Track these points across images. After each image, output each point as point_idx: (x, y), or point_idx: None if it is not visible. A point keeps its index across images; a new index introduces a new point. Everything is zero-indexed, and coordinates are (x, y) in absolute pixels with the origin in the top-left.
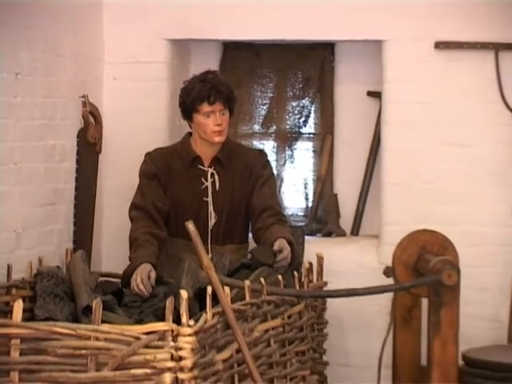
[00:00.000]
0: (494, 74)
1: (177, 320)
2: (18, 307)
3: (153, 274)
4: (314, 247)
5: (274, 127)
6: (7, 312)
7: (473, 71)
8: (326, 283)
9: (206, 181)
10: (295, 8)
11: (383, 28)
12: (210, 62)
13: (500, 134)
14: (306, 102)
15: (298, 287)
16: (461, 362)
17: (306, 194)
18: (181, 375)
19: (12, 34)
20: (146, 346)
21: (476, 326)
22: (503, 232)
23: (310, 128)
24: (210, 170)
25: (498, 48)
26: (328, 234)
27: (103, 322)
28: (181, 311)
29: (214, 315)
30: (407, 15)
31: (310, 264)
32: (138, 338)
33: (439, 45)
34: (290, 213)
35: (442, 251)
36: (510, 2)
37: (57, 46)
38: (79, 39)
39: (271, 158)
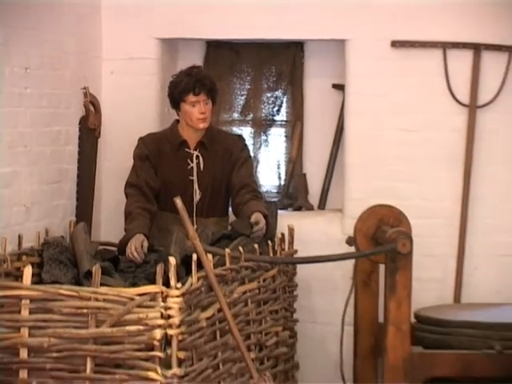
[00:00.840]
0: (442, 69)
1: (166, 283)
2: (28, 272)
3: (145, 243)
4: (285, 220)
5: (251, 115)
6: (18, 276)
7: (424, 67)
8: (296, 251)
9: (192, 162)
10: (270, 11)
11: (346, 29)
12: (195, 59)
13: (447, 121)
14: (278, 93)
15: (271, 255)
16: (413, 320)
17: (279, 174)
18: (169, 331)
19: (22, 34)
20: (139, 306)
21: (426, 288)
22: (449, 207)
23: (282, 116)
24: (195, 153)
25: (445, 46)
26: (298, 209)
27: (102, 284)
28: (169, 275)
29: (198, 279)
30: (367, 17)
31: (282, 234)
32: (132, 299)
33: (395, 44)
34: (264, 190)
35: (397, 223)
36: (456, 5)
37: (61, 44)
38: (81, 38)
39: (248, 142)
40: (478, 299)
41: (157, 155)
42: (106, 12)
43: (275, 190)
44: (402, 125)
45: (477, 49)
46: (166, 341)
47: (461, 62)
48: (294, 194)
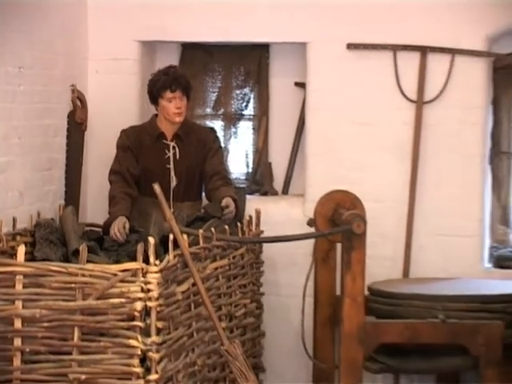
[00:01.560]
0: (392, 69)
1: (146, 260)
2: (21, 250)
3: (127, 225)
4: (253, 204)
5: (222, 110)
6: (13, 254)
7: (376, 67)
8: (262, 231)
9: (169, 152)
10: (239, 16)
11: (307, 33)
12: (172, 59)
13: (397, 115)
14: (246, 90)
15: (240, 235)
16: (366, 292)
17: (247, 163)
18: (149, 303)
19: (16, 37)
20: (122, 281)
21: (378, 264)
22: (398, 192)
23: (249, 111)
24: (172, 144)
25: (395, 48)
26: (264, 194)
27: (88, 262)
28: (149, 254)
29: (174, 257)
30: (326, 23)
31: (250, 217)
32: (115, 275)
33: (350, 46)
34: (234, 177)
35: (352, 207)
36: (405, 12)
37: (51, 46)
38: (69, 41)
39: (220, 134)
40: (424, 274)
41: (137, 146)
42: (92, 17)
43: (244, 177)
44: (357, 119)
45: (423, 51)
46: (146, 312)
47: (409, 63)
48: (260, 181)
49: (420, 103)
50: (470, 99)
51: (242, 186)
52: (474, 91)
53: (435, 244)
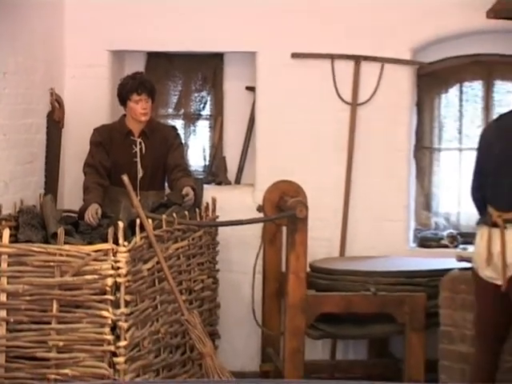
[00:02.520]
0: (330, 75)
1: (116, 242)
2: (6, 233)
3: (99, 211)
4: (209, 192)
5: (182, 110)
6: None
7: (316, 73)
8: (217, 216)
9: (136, 147)
10: (196, 29)
11: (256, 43)
12: (138, 66)
13: (335, 115)
14: (204, 93)
15: (198, 219)
16: (308, 269)
17: (204, 156)
18: (118, 279)
19: (1, 45)
20: (95, 260)
21: (318, 245)
22: (336, 182)
23: (206, 111)
24: (139, 140)
25: (333, 57)
26: (219, 183)
27: (65, 243)
28: (118, 236)
29: (141, 239)
30: (272, 34)
31: (207, 204)
32: (89, 254)
33: (294, 55)
34: (193, 169)
35: (295, 194)
36: (342, 26)
37: (33, 53)
38: (48, 49)
39: (180, 131)
40: (358, 253)
41: (108, 142)
42: (69, 28)
43: (201, 169)
44: (300, 118)
45: (357, 59)
46: (116, 287)
47: (345, 70)
48: (216, 172)
49: (354, 105)
50: (397, 102)
51: (200, 176)
52: (401, 95)
53: (367, 227)
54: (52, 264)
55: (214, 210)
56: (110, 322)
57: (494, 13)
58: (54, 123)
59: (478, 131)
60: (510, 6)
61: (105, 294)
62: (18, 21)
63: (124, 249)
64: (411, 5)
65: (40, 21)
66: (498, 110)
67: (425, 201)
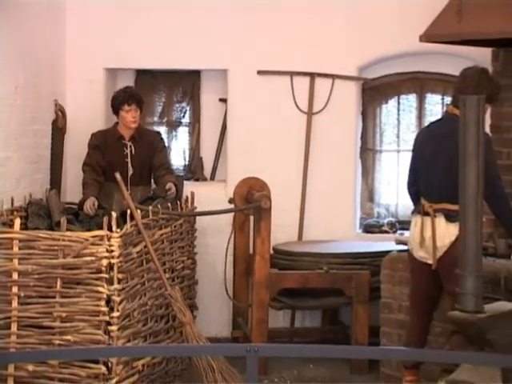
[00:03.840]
0: (290, 88)
1: (110, 229)
2: (17, 222)
3: (96, 203)
4: (188, 187)
5: (166, 119)
6: (11, 225)
7: (278, 87)
8: (195, 207)
9: (127, 149)
10: (177, 50)
11: (227, 62)
12: (129, 81)
13: (294, 123)
14: (184, 104)
15: (179, 210)
16: (271, 251)
17: (184, 157)
18: (112, 260)
19: (12, 64)
20: (92, 244)
21: (280, 231)
22: (295, 179)
23: (186, 119)
24: (129, 143)
25: (292, 74)
26: (197, 180)
27: (67, 230)
28: (112, 224)
29: (131, 226)
30: (241, 55)
31: (187, 197)
32: (87, 239)
33: (259, 72)
34: (175, 168)
35: (261, 189)
36: (298, 46)
37: (39, 70)
38: (53, 66)
39: (164, 136)
40: (313, 238)
41: (103, 145)
42: (70, 50)
43: (182, 168)
44: (264, 125)
45: (312, 76)
46: (110, 267)
47: (302, 84)
48: (194, 170)
49: (310, 114)
50: (345, 111)
51: (180, 174)
52: (349, 105)
53: (321, 216)
54: (56, 248)
55: (192, 202)
56: (105, 296)
57: (425, 37)
58: (58, 129)
59: (413, 136)
60: (439, 32)
61: (100, 272)
62: (26, 43)
63: (117, 235)
64: (358, 30)
65: (45, 43)
66: (429, 118)
67: (368, 194)
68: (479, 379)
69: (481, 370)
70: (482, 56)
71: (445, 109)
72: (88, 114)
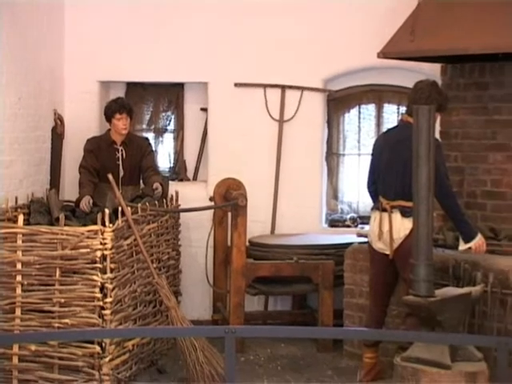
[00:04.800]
0: (263, 99)
1: (103, 224)
2: (21, 218)
3: (91, 201)
4: (173, 187)
5: (153, 126)
6: (15, 221)
7: (253, 98)
8: (179, 205)
9: (118, 153)
10: (163, 65)
11: (207, 75)
12: (120, 92)
13: (267, 130)
14: (169, 113)
15: (165, 207)
16: (247, 244)
17: (170, 160)
18: (105, 252)
19: (16, 77)
20: (87, 237)
21: (255, 225)
22: (268, 179)
23: (171, 126)
24: (120, 148)
25: (265, 86)
26: (180, 180)
27: (65, 225)
28: (105, 220)
29: (122, 221)
30: (220, 69)
31: (172, 195)
32: (83, 233)
33: (236, 84)
34: (161, 169)
35: (238, 188)
36: (270, 61)
37: (40, 83)
38: (52, 80)
39: (152, 141)
40: (284, 232)
41: (97, 149)
42: (68, 65)
43: (167, 169)
44: (241, 131)
45: (283, 88)
46: (103, 258)
47: (274, 95)
48: (178, 172)
49: (281, 122)
50: (312, 119)
51: (166, 175)
52: (315, 114)
53: (291, 212)
54: (55, 241)
55: (176, 200)
56: (99, 284)
57: (383, 54)
58: (57, 135)
59: (372, 141)
60: (394, 49)
61: (95, 263)
62: (29, 59)
63: (109, 229)
64: (324, 47)
65: (45, 59)
66: (386, 125)
67: (333, 192)
68: (430, 355)
69: (432, 348)
70: (433, 70)
71: (400, 117)
72: (84, 122)
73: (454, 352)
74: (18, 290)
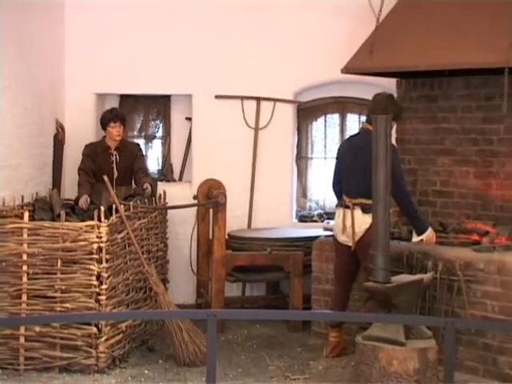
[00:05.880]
0: (241, 109)
1: (99, 220)
2: (26, 214)
3: (88, 200)
4: (161, 187)
5: (144, 133)
6: (21, 217)
7: (232, 108)
8: (167, 203)
9: (113, 157)
10: (152, 79)
11: (191, 88)
12: (114, 104)
13: (244, 137)
14: (158, 121)
15: (154, 204)
16: (227, 237)
17: (158, 163)
18: (101, 244)
19: (21, 90)
20: (85, 232)
21: (234, 220)
22: (244, 179)
23: (159, 134)
24: (114, 153)
25: (242, 98)
26: (168, 181)
27: (66, 221)
28: (101, 216)
29: (116, 217)
30: (202, 82)
31: (160, 194)
32: (81, 228)
33: (217, 96)
34: (151, 171)
35: (218, 188)
36: (247, 75)
37: (44, 95)
38: (54, 92)
39: (142, 147)
40: (259, 226)
41: (94, 154)
42: (68, 79)
43: (156, 171)
44: (221, 138)
45: (258, 99)
46: (99, 249)
47: (250, 106)
48: (166, 173)
49: (257, 129)
50: (284, 127)
51: (155, 176)
52: (287, 122)
53: (265, 208)
54: (57, 234)
55: (164, 199)
56: (95, 272)
57: (345, 70)
58: (58, 142)
59: (336, 147)
60: (355, 66)
61: (92, 254)
62: (33, 74)
63: (105, 224)
64: (294, 63)
65: (48, 74)
66: (349, 132)
67: (302, 191)
68: (387, 334)
69: (388, 327)
70: (389, 84)
71: (361, 125)
72: (82, 130)
73: (407, 331)
74: (24, 278)
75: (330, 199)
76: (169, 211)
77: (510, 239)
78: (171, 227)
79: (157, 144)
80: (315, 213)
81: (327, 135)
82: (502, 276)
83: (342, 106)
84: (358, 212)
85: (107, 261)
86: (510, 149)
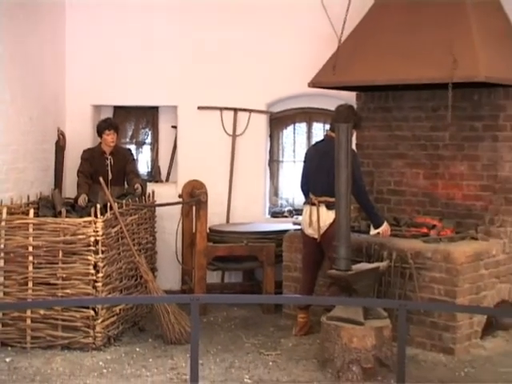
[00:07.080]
0: (220, 119)
1: (96, 216)
2: (31, 211)
3: (86, 198)
4: (150, 187)
5: (135, 140)
6: (27, 213)
7: (212, 118)
8: (155, 201)
9: (107, 161)
10: (142, 92)
11: (177, 100)
12: (109, 114)
13: (223, 143)
14: (147, 129)
15: (144, 202)
16: (208, 231)
17: (148, 166)
18: (97, 238)
19: (28, 102)
20: (84, 226)
21: (214, 216)
22: (223, 181)
23: (149, 140)
24: (109, 157)
25: (221, 109)
26: (156, 181)
27: (66, 217)
28: (97, 213)
29: (110, 214)
30: (186, 95)
31: (149, 194)
32: (80, 223)
33: (199, 107)
34: (141, 173)
35: (200, 188)
36: (226, 88)
37: (47, 106)
38: (56, 104)
39: (134, 152)
40: (236, 221)
41: (91, 158)
42: (68, 92)
43: (146, 173)
44: (202, 144)
45: (235, 110)
46: (96, 242)
47: (229, 116)
48: (154, 175)
49: (234, 136)
50: (258, 134)
51: (145, 178)
52: (260, 130)
53: (242, 206)
54: (58, 229)
55: (153, 197)
56: (92, 262)
57: (312, 84)
58: (60, 147)
59: (304, 151)
60: (320, 80)
61: (89, 246)
62: (37, 88)
63: (100, 220)
64: (267, 78)
65: (51, 87)
66: (315, 139)
67: (274, 191)
68: (348, 315)
69: (349, 309)
70: (350, 97)
71: (325, 133)
72: (81, 137)
73: (366, 312)
74: (30, 268)
75: (298, 197)
76: (157, 208)
77: (454, 232)
78: (159, 222)
79: (146, 149)
80: (285, 209)
81: (296, 141)
82: (446, 263)
83: (308, 115)
84: (322, 208)
85: (103, 252)
86: (453, 153)
